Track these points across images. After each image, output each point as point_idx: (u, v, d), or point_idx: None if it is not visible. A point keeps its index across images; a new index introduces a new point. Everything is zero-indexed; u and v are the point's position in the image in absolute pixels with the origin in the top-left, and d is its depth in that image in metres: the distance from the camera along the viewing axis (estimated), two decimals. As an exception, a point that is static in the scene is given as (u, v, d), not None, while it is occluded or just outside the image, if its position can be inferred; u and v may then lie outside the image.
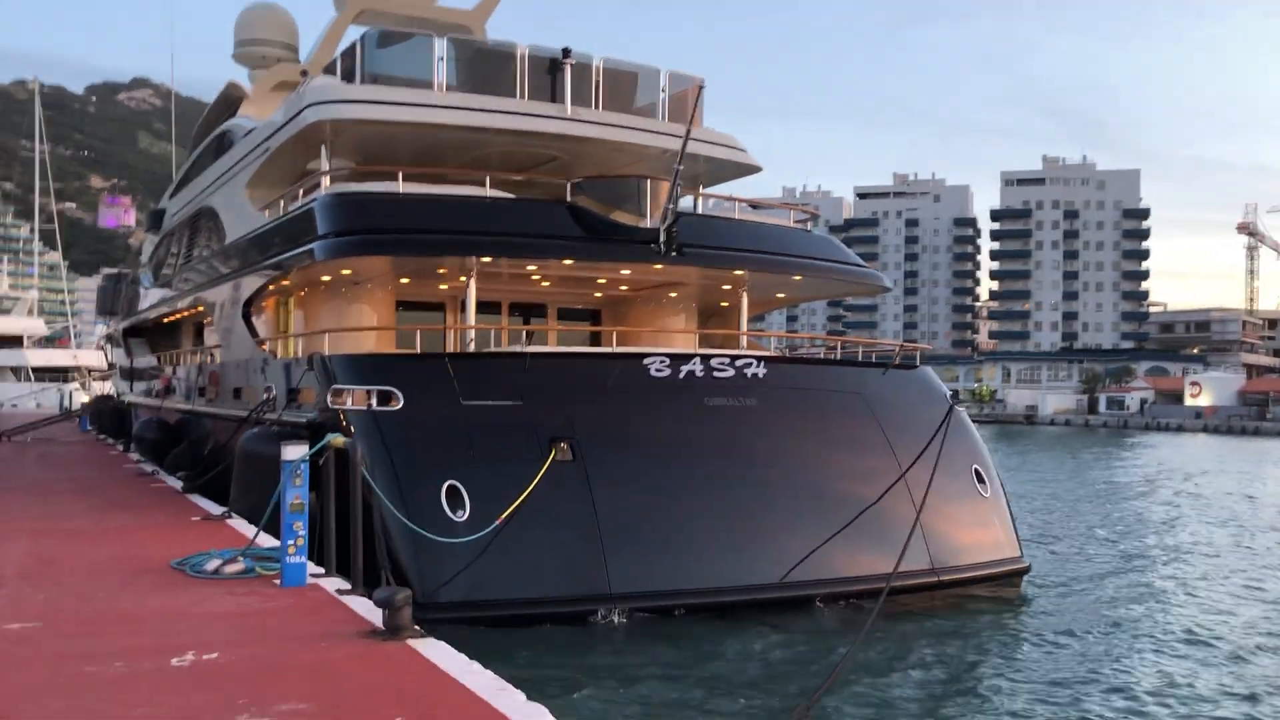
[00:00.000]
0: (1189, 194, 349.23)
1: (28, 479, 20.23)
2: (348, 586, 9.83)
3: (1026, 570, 17.03)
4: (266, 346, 19.61)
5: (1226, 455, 63.02)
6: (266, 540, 11.72)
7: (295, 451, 10.07)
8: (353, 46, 19.08)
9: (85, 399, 53.21)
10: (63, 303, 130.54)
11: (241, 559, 10.58)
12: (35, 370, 67.77)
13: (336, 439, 10.81)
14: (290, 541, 9.84)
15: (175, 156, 45.01)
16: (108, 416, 36.66)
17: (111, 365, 46.60)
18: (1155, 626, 14.92)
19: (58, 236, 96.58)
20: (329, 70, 20.27)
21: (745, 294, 20.37)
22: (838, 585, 14.48)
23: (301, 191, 18.52)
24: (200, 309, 25.39)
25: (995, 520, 16.87)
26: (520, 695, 6.37)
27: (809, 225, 21.02)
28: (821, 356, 22.30)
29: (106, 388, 54.42)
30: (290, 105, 19.24)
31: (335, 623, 8.40)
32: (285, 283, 19.19)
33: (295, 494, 9.92)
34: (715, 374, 15.88)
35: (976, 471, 17.00)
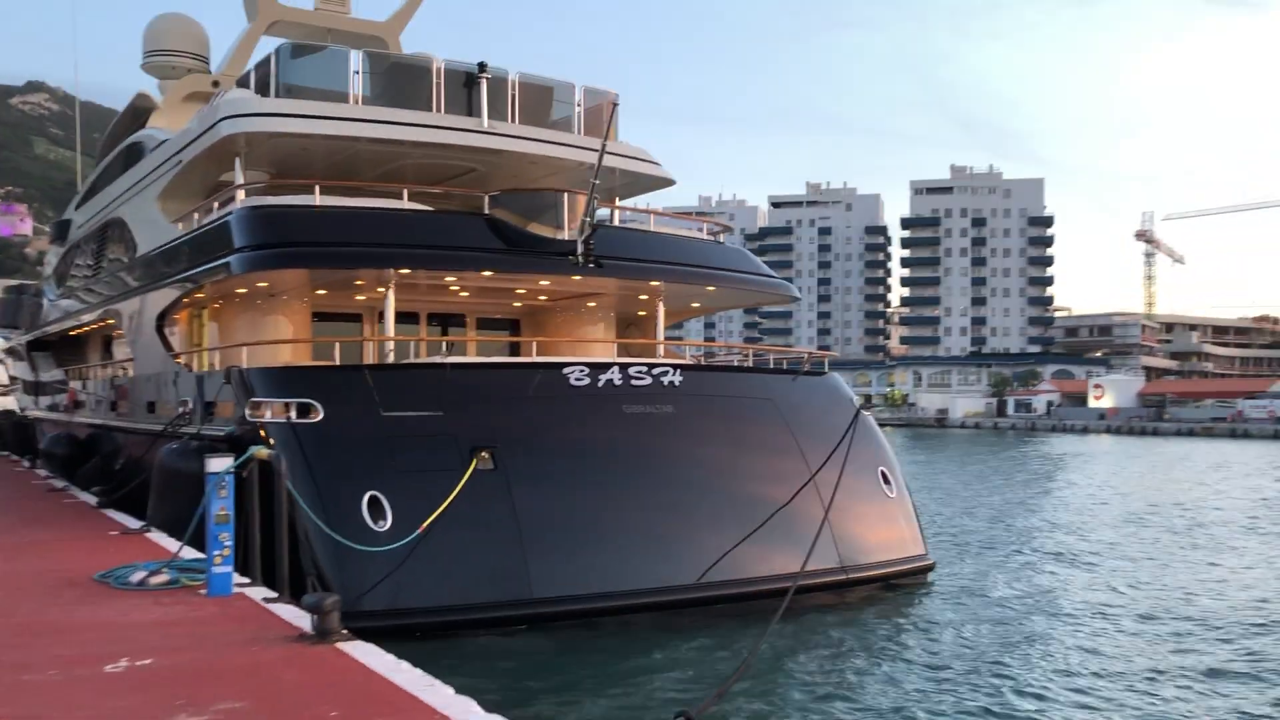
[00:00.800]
0: (1090, 202, 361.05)
1: (-67, 497, 19.82)
2: (274, 595, 10.04)
3: (931, 567, 17.81)
4: (182, 359, 19.51)
5: (1124, 455, 65.53)
6: (189, 553, 11.82)
7: (220, 464, 10.24)
8: (267, 59, 19.12)
9: (-15, 415, 51.53)
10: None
11: (166, 570, 10.71)
12: (-72, 385, 65.24)
13: (261, 451, 10.98)
14: (216, 552, 10.01)
15: (81, 166, 44.03)
16: (10, 432, 35.77)
17: (13, 379, 45.32)
18: (1050, 612, 15.74)
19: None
20: (243, 83, 20.25)
21: (661, 304, 20.87)
22: (752, 584, 14.99)
23: (216, 204, 18.50)
24: (110, 321, 25.05)
25: (901, 519, 17.60)
26: (449, 689, 6.73)
27: (721, 237, 21.63)
28: (735, 364, 22.91)
29: (7, 403, 52.82)
30: (204, 117, 19.20)
31: (264, 628, 8.64)
32: (199, 295, 19.13)
33: (220, 505, 10.09)
34: (633, 382, 16.33)
35: (882, 473, 17.70)
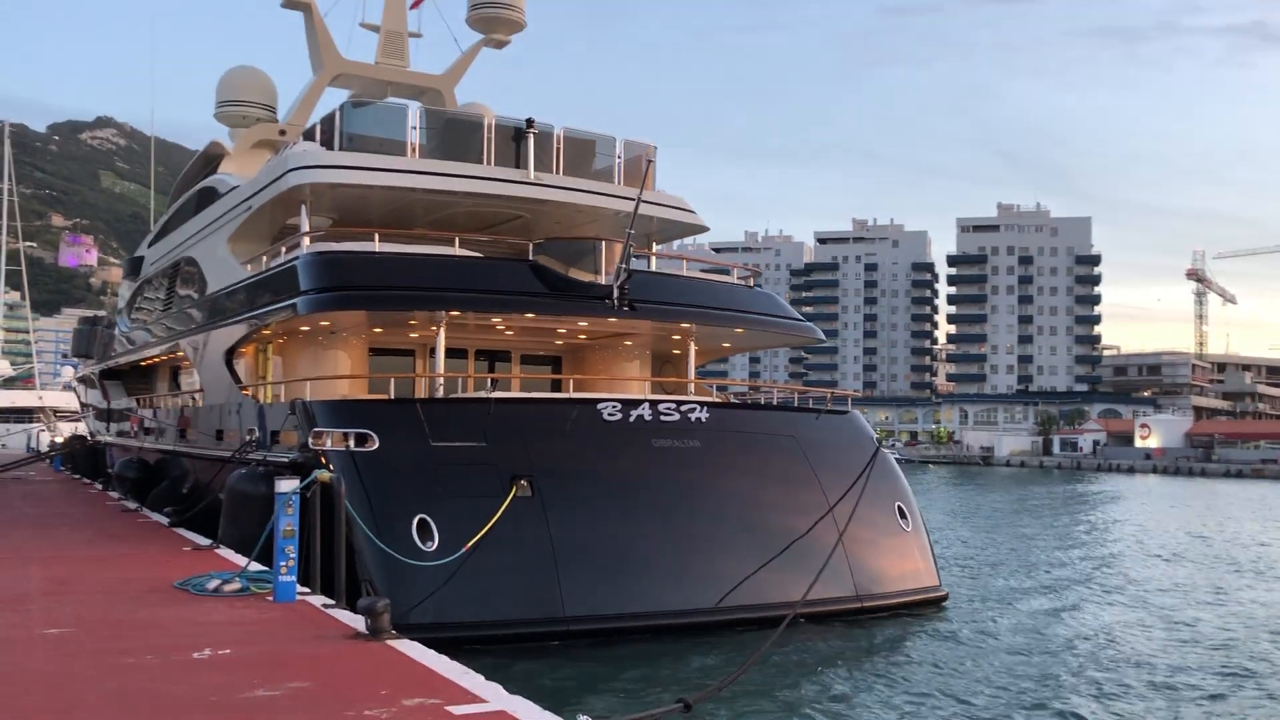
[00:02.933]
0: (1139, 239, 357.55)
1: (19, 515, 21.49)
2: (332, 602, 11.37)
3: (944, 598, 18.76)
4: (248, 391, 21.06)
5: (1165, 495, 65.33)
6: (255, 567, 13.19)
7: (288, 485, 11.62)
8: (331, 114, 20.74)
9: (54, 439, 53.94)
10: (25, 343, 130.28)
11: (238, 579, 12.09)
12: (-1, 411, 67.97)
13: (323, 474, 12.35)
14: (283, 563, 11.37)
15: (155, 203, 46.22)
16: (82, 457, 37.72)
17: (84, 406, 47.53)
18: (1053, 649, 16.51)
19: (23, 276, 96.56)
20: (309, 135, 21.91)
21: (692, 344, 22.12)
22: (769, 610, 16.04)
23: (284, 249, 20.08)
24: (180, 354, 26.75)
25: (916, 552, 18.63)
26: (480, 677, 7.99)
27: (751, 281, 22.89)
28: (761, 402, 24.09)
29: (75, 429, 55.17)
30: (273, 167, 20.85)
31: (324, 628, 9.97)
32: (266, 332, 20.69)
33: (287, 522, 11.46)
34: (663, 418, 17.57)
35: (899, 507, 18.75)
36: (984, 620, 18.40)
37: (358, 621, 9.98)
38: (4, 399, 70.99)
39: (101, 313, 50.78)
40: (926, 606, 18.24)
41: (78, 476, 36.35)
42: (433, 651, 8.82)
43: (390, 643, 9.25)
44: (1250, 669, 15.40)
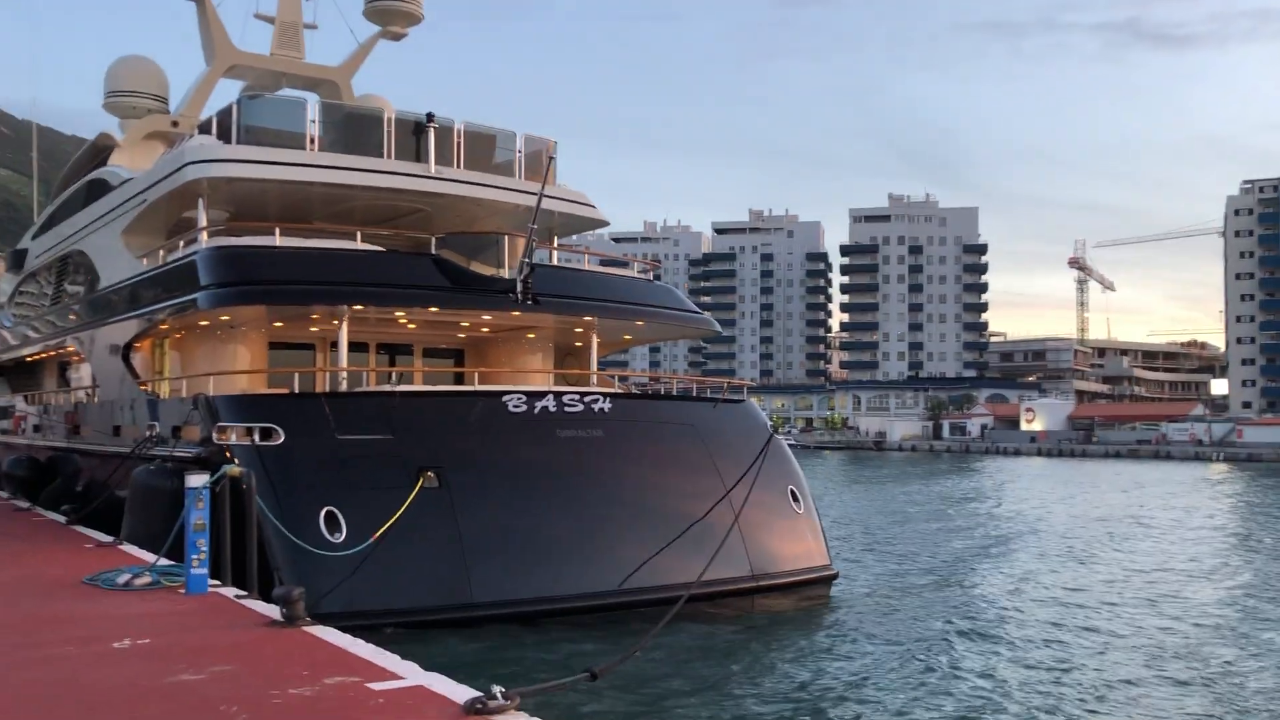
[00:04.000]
0: (1024, 229, 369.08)
1: (-96, 516, 20.91)
2: (245, 593, 11.61)
3: (835, 577, 19.68)
4: (147, 386, 20.86)
5: (1048, 476, 68.32)
6: (163, 562, 13.28)
7: (198, 480, 11.80)
8: (228, 107, 20.64)
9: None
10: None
11: (149, 573, 12.21)
12: None
13: (233, 469, 12.54)
14: (194, 556, 11.56)
15: (37, 192, 44.77)
16: (-39, 455, 36.44)
17: (-37, 403, 45.79)
18: (941, 621, 17.59)
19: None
20: (204, 128, 21.74)
21: (595, 336, 22.64)
22: (669, 590, 16.63)
23: (182, 243, 19.95)
24: (70, 348, 26.23)
25: (808, 533, 19.49)
26: (395, 656, 8.41)
27: (650, 275, 23.49)
28: (661, 392, 24.76)
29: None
30: (170, 160, 20.67)
31: (240, 617, 10.24)
32: (163, 326, 20.53)
33: (198, 516, 11.65)
34: (566, 409, 18.06)
35: (792, 491, 19.58)
36: (871, 597, 19.44)
37: (272, 611, 10.28)
38: None
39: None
40: (818, 585, 19.12)
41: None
42: (349, 635, 9.20)
43: (306, 628, 9.59)
44: (1125, 632, 16.65)
